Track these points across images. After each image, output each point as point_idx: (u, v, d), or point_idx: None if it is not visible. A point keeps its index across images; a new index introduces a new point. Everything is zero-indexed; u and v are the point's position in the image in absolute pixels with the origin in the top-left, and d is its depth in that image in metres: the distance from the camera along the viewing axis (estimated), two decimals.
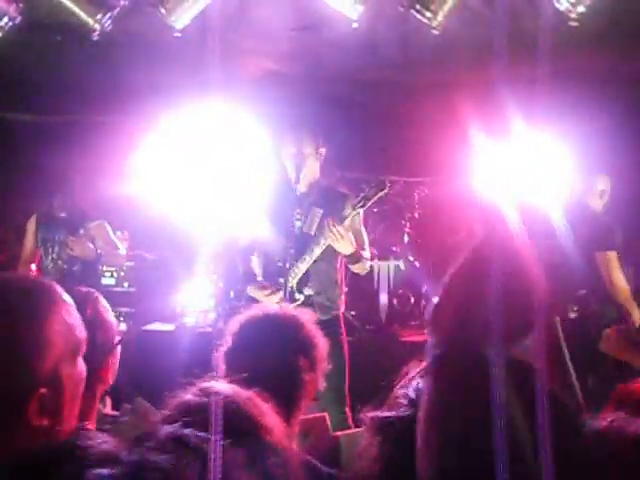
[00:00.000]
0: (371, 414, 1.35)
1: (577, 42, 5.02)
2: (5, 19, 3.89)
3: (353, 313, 5.89)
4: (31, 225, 5.41)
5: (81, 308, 2.14)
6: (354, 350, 4.65)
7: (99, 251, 5.47)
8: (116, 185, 6.10)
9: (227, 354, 2.35)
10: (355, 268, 4.59)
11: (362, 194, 4.28)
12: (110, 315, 2.30)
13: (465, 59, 5.36)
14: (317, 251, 4.35)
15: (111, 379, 2.25)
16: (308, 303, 4.34)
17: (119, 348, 2.29)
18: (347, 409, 4.31)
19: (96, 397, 2.18)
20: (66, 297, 1.47)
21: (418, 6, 5.07)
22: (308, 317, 2.48)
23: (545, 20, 5.14)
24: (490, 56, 5.24)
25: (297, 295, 4.35)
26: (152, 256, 6.64)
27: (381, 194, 4.28)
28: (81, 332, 1.47)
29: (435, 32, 5.13)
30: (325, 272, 4.46)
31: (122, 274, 6.45)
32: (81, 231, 5.23)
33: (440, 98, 5.51)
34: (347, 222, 4.27)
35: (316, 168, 4.55)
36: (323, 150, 4.56)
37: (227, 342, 2.38)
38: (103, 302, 2.31)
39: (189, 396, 1.50)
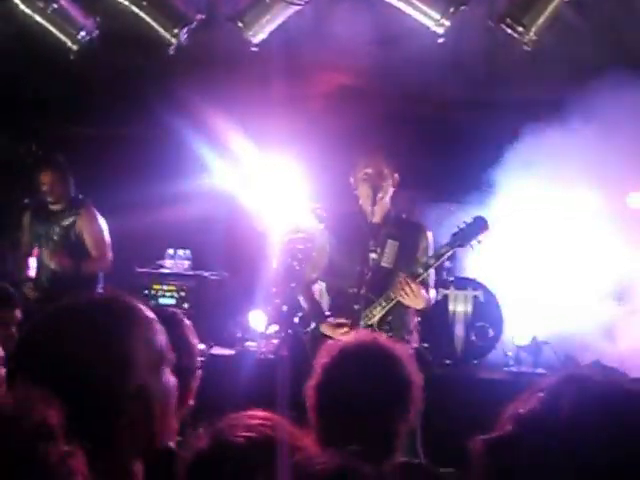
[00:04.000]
0: (477, 438, 1.33)
1: None
2: (82, 32, 4.00)
3: (426, 345, 5.80)
4: (26, 219, 5.59)
5: (165, 329, 2.23)
6: (426, 386, 4.58)
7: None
8: (180, 202, 6.22)
9: (317, 389, 2.28)
10: None
11: (461, 233, 4.16)
12: (194, 337, 2.33)
13: (557, 76, 5.29)
14: (392, 300, 4.26)
15: (192, 402, 2.28)
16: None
17: (200, 371, 2.33)
18: (419, 449, 4.25)
19: (177, 420, 2.14)
20: (146, 311, 1.56)
21: (509, 20, 5.03)
22: (404, 351, 2.40)
23: None
24: (588, 72, 5.12)
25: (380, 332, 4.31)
26: (214, 276, 6.70)
27: (483, 234, 4.14)
28: (162, 345, 1.56)
29: (526, 48, 5.09)
30: (402, 305, 4.35)
31: (182, 294, 6.52)
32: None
33: (527, 117, 5.45)
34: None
35: (389, 195, 4.48)
36: (397, 176, 4.47)
37: (317, 375, 2.30)
38: (187, 323, 2.34)
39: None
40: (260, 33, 4.38)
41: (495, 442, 1.30)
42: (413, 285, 4.14)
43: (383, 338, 2.47)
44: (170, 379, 1.56)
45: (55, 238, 5.46)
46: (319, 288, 4.81)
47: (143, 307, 1.56)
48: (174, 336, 2.11)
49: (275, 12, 4.28)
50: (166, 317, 2.22)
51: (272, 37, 4.64)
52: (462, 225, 4.19)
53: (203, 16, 4.26)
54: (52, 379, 1.34)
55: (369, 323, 4.31)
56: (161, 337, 1.56)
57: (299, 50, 5.07)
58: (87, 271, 5.51)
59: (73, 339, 1.41)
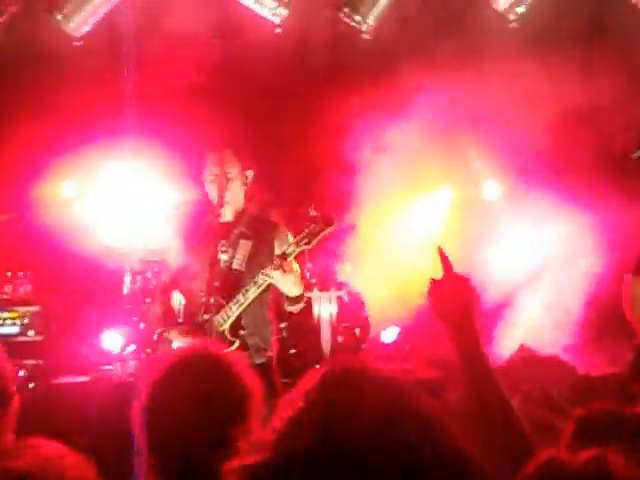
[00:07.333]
0: (234, 465, 1.23)
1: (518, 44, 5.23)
2: None
3: (293, 351, 5.84)
4: None
5: None
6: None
7: None
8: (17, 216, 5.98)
9: (144, 413, 2.11)
10: (291, 308, 4.47)
11: (307, 230, 4.15)
12: (6, 364, 2.24)
13: (401, 65, 5.47)
14: (254, 292, 4.22)
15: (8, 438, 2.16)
16: (242, 346, 4.24)
17: (17, 403, 2.22)
18: None
19: None
20: None
21: (347, 9, 5.22)
22: (239, 360, 2.25)
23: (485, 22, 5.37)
24: (427, 60, 5.36)
25: (232, 338, 4.26)
26: (60, 299, 6.47)
27: (328, 231, 4.16)
28: None
29: (366, 36, 5.29)
30: (258, 312, 4.36)
31: (26, 321, 6.25)
32: None
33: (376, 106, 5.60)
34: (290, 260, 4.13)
35: (242, 194, 4.46)
36: (251, 173, 4.46)
37: (143, 397, 2.12)
38: None
39: None
40: (83, 26, 4.30)
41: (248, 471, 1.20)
42: (285, 264, 4.08)
43: (216, 347, 2.32)
44: None
45: None
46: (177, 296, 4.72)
47: None
48: None
49: (97, 3, 4.21)
50: None
51: (99, 31, 4.57)
52: (307, 223, 4.20)
53: (16, 8, 4.13)
54: None
55: (220, 330, 4.26)
56: None
57: (134, 45, 5.00)
58: None
59: None
